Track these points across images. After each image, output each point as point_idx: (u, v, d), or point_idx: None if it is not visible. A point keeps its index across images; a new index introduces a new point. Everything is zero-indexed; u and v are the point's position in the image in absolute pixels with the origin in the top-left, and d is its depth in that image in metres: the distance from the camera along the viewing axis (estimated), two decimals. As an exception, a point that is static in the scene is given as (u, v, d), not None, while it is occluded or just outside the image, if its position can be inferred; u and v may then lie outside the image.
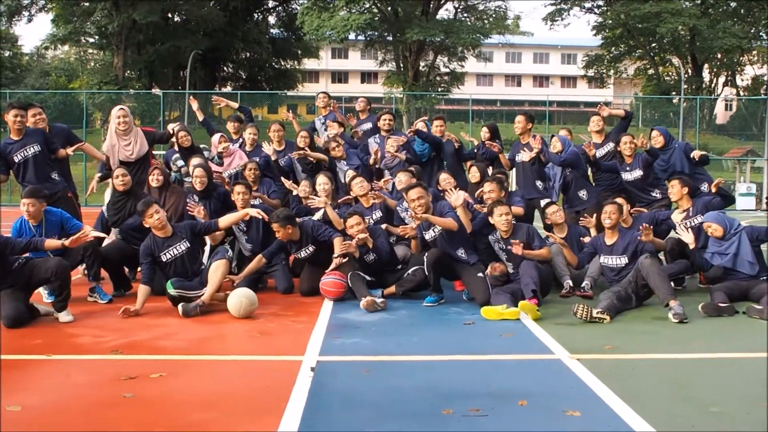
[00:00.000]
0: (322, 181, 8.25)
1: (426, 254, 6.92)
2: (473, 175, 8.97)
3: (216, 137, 9.26)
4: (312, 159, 8.97)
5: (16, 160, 7.47)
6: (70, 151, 7.86)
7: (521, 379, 4.55)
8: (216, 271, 6.61)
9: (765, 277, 7.11)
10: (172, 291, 6.57)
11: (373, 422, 3.70)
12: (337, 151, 9.18)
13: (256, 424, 3.70)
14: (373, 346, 5.36)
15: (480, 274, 6.97)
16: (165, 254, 6.80)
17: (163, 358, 5.00)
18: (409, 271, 7.21)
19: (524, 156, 8.81)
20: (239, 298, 6.30)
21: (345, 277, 7.13)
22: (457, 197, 6.93)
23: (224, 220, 7.21)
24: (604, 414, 3.85)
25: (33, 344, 5.37)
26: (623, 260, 7.25)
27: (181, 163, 8.97)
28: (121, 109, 8.33)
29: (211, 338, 5.69)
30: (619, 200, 7.70)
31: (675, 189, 7.80)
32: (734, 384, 4.49)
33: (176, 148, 9.20)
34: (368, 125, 10.45)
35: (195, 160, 8.44)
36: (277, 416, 3.75)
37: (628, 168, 8.65)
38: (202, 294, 6.60)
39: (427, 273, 6.87)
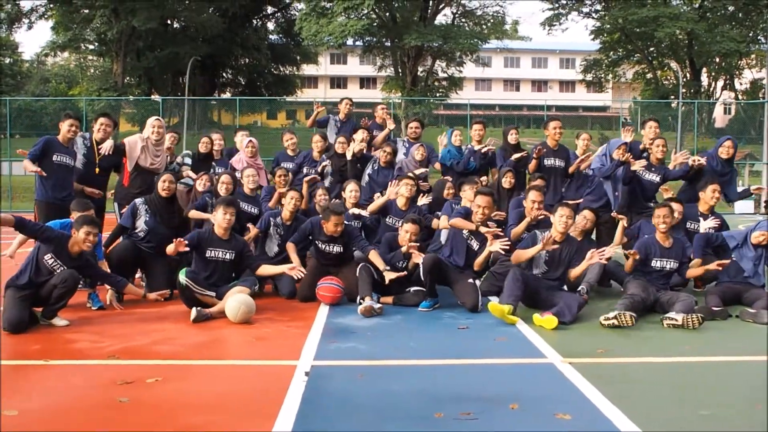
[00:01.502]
0: (352, 188, 8.41)
1: (422, 259, 6.97)
2: (507, 181, 8.95)
3: (245, 141, 9.61)
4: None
5: (54, 159, 7.81)
6: (88, 190, 8.16)
7: (513, 383, 4.60)
8: (235, 294, 6.60)
9: (754, 281, 7.20)
10: (182, 278, 6.61)
11: (366, 426, 3.74)
12: (384, 158, 9.32)
13: (250, 427, 3.74)
14: (368, 350, 5.40)
15: (470, 280, 7.04)
16: (210, 251, 6.97)
17: (159, 363, 5.03)
18: (411, 290, 7.24)
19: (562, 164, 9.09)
20: (238, 303, 6.33)
21: (342, 284, 7.20)
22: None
23: (264, 269, 7.25)
24: (594, 417, 3.89)
25: (31, 350, 5.40)
26: (675, 264, 7.17)
27: (188, 160, 9.07)
28: (157, 119, 8.56)
29: (206, 343, 5.72)
30: (675, 205, 7.71)
31: (717, 195, 7.97)
32: (725, 387, 4.54)
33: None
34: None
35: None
36: (270, 420, 3.78)
37: (653, 169, 8.68)
38: (207, 295, 6.67)
39: (423, 278, 6.91)
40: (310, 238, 7.65)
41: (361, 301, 6.79)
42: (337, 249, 7.58)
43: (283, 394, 4.23)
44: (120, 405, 4.07)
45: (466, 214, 7.20)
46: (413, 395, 4.27)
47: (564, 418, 3.85)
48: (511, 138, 9.59)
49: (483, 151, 9.61)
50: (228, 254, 7.02)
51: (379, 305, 6.81)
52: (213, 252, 6.98)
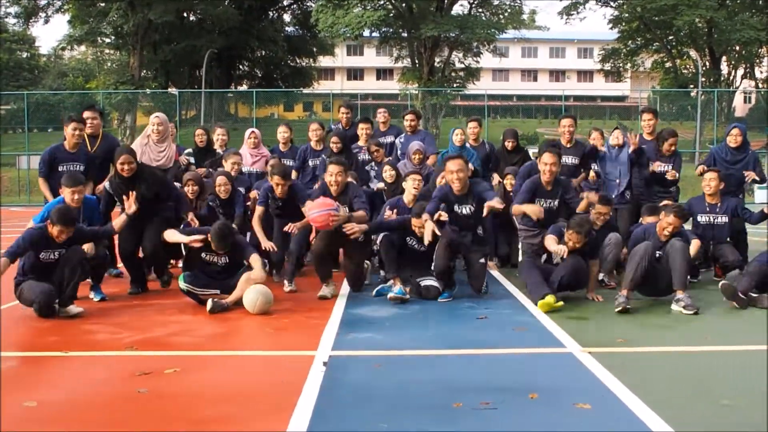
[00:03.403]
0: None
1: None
2: (509, 183, 8.84)
3: (247, 132, 9.48)
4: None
5: (60, 170, 7.60)
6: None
7: (532, 373, 4.57)
8: (247, 281, 6.52)
9: None
10: (182, 285, 6.61)
11: (384, 416, 3.72)
12: (377, 155, 9.24)
13: (268, 418, 3.73)
14: (386, 340, 5.39)
15: (482, 260, 7.02)
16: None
17: (177, 354, 5.05)
18: (422, 284, 7.04)
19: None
20: (255, 294, 6.32)
21: (333, 205, 6.92)
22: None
23: (170, 235, 6.93)
24: (614, 407, 3.86)
25: (49, 341, 5.43)
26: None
27: (192, 159, 9.04)
28: (157, 116, 8.32)
29: (224, 334, 5.74)
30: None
31: (713, 183, 7.82)
32: (746, 377, 4.48)
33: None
34: (390, 138, 10.18)
35: (232, 158, 8.56)
36: (289, 410, 3.78)
37: (663, 159, 8.54)
38: (211, 293, 6.61)
39: (439, 262, 6.87)
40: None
41: (389, 279, 6.84)
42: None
43: (302, 385, 4.22)
44: (138, 396, 4.07)
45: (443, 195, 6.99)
46: (431, 385, 4.26)
47: (584, 407, 3.81)
48: (509, 145, 9.53)
49: None
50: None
51: (406, 295, 6.78)
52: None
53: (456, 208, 6.98)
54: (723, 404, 3.90)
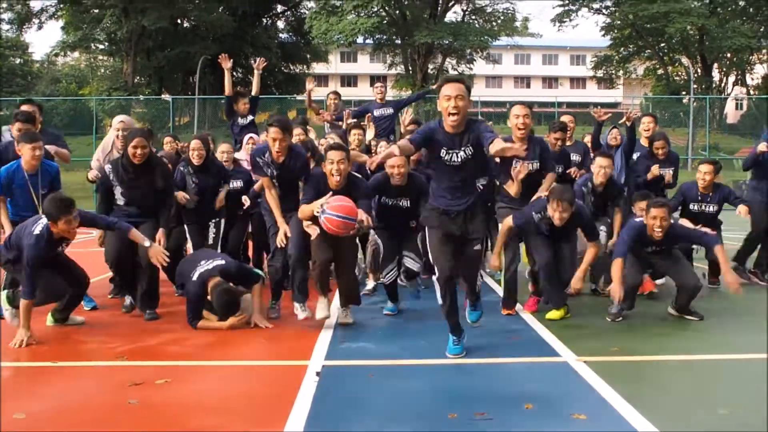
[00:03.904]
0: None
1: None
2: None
3: (246, 138, 9.33)
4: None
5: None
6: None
7: (527, 383, 4.53)
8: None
9: None
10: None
11: (378, 427, 3.70)
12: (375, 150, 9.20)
13: (261, 428, 3.70)
14: (379, 350, 5.35)
15: (477, 247, 5.25)
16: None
17: (168, 364, 4.99)
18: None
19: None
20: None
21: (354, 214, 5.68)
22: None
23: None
24: (610, 417, 3.83)
25: (39, 351, 5.36)
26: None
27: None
28: (122, 121, 7.44)
29: (216, 343, 5.67)
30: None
31: (708, 177, 7.83)
32: (743, 385, 4.46)
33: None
34: (390, 110, 10.58)
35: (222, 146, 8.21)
36: (281, 421, 3.74)
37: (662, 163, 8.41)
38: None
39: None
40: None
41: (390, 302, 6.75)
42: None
43: (294, 395, 4.18)
44: (129, 407, 4.03)
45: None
46: (426, 395, 4.23)
47: (580, 418, 3.78)
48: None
49: None
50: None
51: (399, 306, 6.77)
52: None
53: (444, 153, 4.93)
54: (720, 413, 3.87)
